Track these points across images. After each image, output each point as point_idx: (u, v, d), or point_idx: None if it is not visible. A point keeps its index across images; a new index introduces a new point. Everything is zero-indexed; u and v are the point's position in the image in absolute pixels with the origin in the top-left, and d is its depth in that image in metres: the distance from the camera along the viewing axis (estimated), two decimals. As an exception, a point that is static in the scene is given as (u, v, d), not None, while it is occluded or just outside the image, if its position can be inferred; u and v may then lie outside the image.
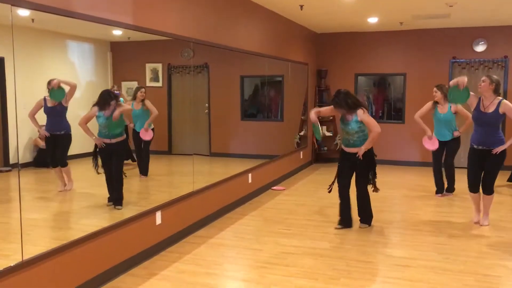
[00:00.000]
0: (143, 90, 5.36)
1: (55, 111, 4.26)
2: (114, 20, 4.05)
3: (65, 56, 4.53)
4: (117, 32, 4.52)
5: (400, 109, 10.17)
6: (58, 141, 4.39)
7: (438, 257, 4.54)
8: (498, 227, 5.57)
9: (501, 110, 5.19)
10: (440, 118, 6.78)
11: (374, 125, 5.24)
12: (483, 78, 5.36)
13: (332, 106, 5.42)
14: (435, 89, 6.79)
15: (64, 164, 4.48)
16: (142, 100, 5.33)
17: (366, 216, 5.59)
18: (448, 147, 6.91)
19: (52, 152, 4.40)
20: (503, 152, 5.30)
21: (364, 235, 5.27)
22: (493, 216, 5.91)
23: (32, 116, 4.12)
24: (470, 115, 6.48)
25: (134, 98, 5.32)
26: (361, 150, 5.24)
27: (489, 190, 5.48)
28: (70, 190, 4.57)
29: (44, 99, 4.19)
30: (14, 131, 3.26)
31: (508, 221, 5.81)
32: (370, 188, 5.50)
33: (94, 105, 4.53)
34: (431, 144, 6.84)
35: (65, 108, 4.27)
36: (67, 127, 4.39)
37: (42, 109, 4.19)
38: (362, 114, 5.24)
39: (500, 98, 5.29)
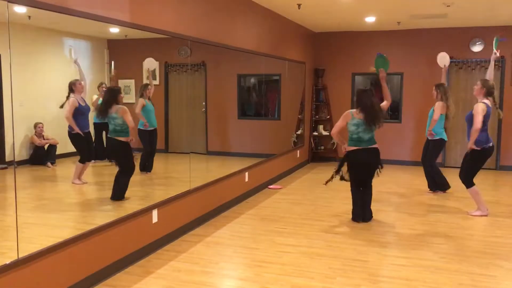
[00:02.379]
0: (149, 86, 5.48)
1: (86, 111, 4.57)
2: (111, 18, 4.04)
3: (61, 53, 4.51)
4: (114, 30, 4.51)
5: (397, 109, 10.18)
6: (89, 139, 4.69)
7: (434, 256, 4.55)
8: (494, 226, 5.59)
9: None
10: (429, 114, 7.11)
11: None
12: (478, 82, 5.85)
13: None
14: (433, 88, 7.08)
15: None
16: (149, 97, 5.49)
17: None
18: (429, 148, 7.19)
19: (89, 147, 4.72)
20: (474, 150, 5.76)
21: (360, 234, 5.28)
22: (489, 215, 5.96)
23: (70, 116, 4.41)
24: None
25: (141, 95, 5.42)
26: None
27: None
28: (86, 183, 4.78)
29: (82, 99, 4.49)
30: (10, 128, 3.26)
31: (504, 220, 5.82)
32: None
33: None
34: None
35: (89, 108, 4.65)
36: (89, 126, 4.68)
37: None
38: None
39: (481, 101, 5.74)
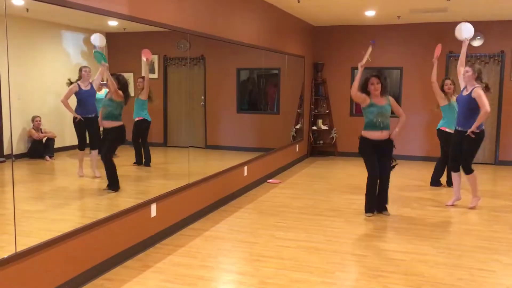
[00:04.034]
0: (140, 80, 5.45)
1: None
2: (110, 10, 4.01)
3: (60, 46, 4.49)
4: (113, 23, 4.48)
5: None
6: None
7: (433, 251, 4.56)
8: (492, 221, 5.59)
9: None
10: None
11: (402, 111, 5.90)
12: (468, 68, 5.87)
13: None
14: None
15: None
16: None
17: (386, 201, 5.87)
18: None
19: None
20: (477, 133, 5.81)
21: (358, 228, 5.28)
22: (488, 210, 5.97)
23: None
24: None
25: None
26: (397, 133, 5.76)
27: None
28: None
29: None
30: (8, 121, 3.24)
31: (502, 215, 5.83)
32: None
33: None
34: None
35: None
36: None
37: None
38: (392, 100, 5.81)
39: (475, 86, 5.80)
